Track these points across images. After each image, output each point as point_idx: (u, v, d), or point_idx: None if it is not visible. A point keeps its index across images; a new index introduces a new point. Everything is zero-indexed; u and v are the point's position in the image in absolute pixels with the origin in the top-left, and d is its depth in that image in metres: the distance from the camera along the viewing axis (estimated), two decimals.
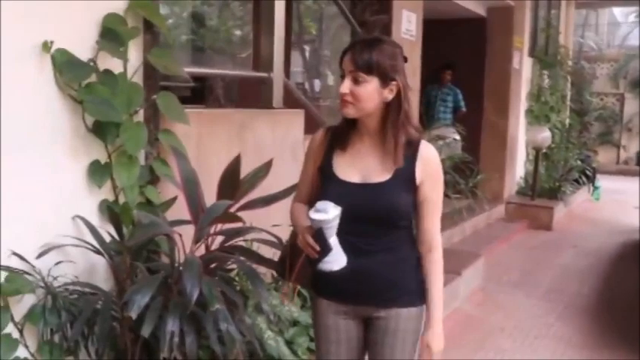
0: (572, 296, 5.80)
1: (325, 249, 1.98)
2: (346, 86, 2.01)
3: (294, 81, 12.97)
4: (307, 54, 15.38)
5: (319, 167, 2.17)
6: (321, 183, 2.15)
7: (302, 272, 2.24)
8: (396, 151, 2.04)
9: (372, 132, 2.09)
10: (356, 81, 2.00)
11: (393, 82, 2.02)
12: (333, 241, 2.00)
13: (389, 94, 2.03)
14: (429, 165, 2.10)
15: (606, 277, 6.55)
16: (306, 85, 13.86)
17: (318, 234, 1.97)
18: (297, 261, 2.20)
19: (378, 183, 2.06)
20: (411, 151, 2.08)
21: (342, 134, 2.13)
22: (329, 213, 1.95)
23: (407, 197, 2.08)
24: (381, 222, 2.08)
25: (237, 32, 10.34)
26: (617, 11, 21.92)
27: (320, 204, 1.98)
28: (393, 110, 2.04)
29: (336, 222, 1.97)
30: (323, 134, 2.20)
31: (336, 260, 2.02)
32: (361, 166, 2.09)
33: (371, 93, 2.01)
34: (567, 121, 11.48)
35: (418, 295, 2.16)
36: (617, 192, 11.59)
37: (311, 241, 1.98)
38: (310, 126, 4.49)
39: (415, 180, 2.08)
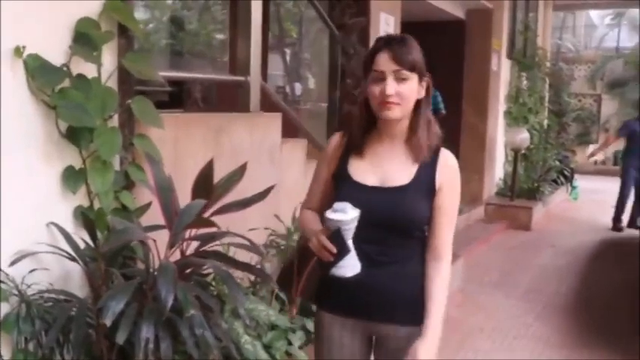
0: (551, 296, 5.86)
1: (343, 251, 1.90)
2: (392, 87, 1.93)
3: (274, 84, 13.00)
4: (288, 57, 15.40)
5: (334, 173, 2.11)
6: (337, 187, 2.08)
7: (307, 284, 2.17)
8: (424, 147, 2.01)
9: (396, 133, 2.04)
10: (400, 80, 1.94)
11: (425, 78, 2.00)
12: (350, 244, 1.93)
13: (422, 91, 2.00)
14: (449, 173, 2.06)
15: (584, 276, 6.62)
16: (287, 89, 13.88)
17: (336, 235, 1.89)
18: (305, 270, 2.12)
19: (397, 187, 2.01)
20: (432, 157, 2.04)
21: (359, 137, 2.08)
22: (348, 213, 1.88)
23: (425, 204, 2.02)
24: (397, 229, 2.02)
25: (218, 36, 10.34)
26: (594, 14, 22.22)
27: (338, 204, 1.91)
28: (423, 106, 2.02)
29: (354, 224, 1.90)
30: (339, 139, 2.14)
31: (351, 266, 1.94)
32: (380, 170, 2.04)
33: (413, 91, 1.97)
34: (545, 122, 11.58)
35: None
36: (594, 192, 11.70)
37: (327, 242, 1.89)
38: (288, 130, 4.49)
39: (435, 187, 2.03)
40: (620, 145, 9.89)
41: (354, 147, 2.08)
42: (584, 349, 4.59)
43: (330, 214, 1.90)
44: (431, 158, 2.03)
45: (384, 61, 1.95)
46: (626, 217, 9.04)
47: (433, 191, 2.03)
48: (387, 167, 2.03)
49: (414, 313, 2.05)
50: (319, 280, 2.11)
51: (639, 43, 18.18)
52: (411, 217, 2.01)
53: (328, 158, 2.14)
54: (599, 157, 10.06)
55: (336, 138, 2.15)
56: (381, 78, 1.94)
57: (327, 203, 2.05)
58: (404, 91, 1.94)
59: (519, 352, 4.52)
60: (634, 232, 8.63)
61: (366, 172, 2.04)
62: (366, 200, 1.95)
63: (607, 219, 9.16)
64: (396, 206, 1.99)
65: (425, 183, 2.02)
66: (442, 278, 2.06)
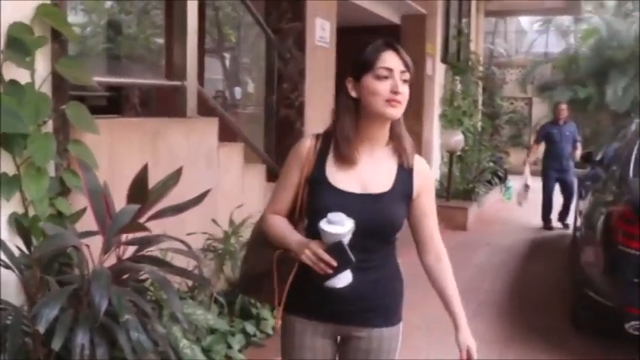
0: (486, 293, 6.01)
1: (346, 264, 1.85)
2: (402, 86, 1.94)
3: (214, 89, 12.94)
4: (227, 61, 15.35)
5: (309, 178, 2.03)
6: (314, 194, 2.01)
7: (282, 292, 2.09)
8: (410, 151, 2.04)
9: (378, 137, 2.03)
10: (403, 81, 1.95)
11: None
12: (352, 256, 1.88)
13: None
14: (425, 178, 2.10)
15: (517, 273, 6.81)
16: (227, 93, 13.83)
17: (337, 248, 1.84)
18: (286, 280, 2.04)
19: (379, 193, 2.00)
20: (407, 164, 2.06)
21: (348, 142, 2.00)
22: (345, 225, 1.85)
23: (404, 210, 2.05)
24: (379, 235, 2.02)
25: (157, 40, 10.24)
26: (524, 20, 22.88)
27: (333, 215, 1.86)
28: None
29: (350, 235, 1.86)
30: (312, 142, 2.06)
31: (346, 276, 1.91)
32: (359, 175, 2.00)
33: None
34: (479, 124, 11.86)
35: (399, 311, 2.14)
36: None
37: (326, 255, 1.85)
38: (226, 134, 4.51)
39: (412, 194, 2.06)
40: None
41: (334, 152, 2.02)
42: (516, 343, 4.73)
43: (327, 227, 1.85)
44: (407, 166, 2.06)
45: (394, 60, 1.96)
46: (555, 216, 9.38)
47: (410, 197, 2.06)
48: (366, 173, 2.01)
49: (387, 315, 2.11)
50: (291, 286, 2.06)
51: (566, 48, 18.87)
52: (393, 224, 2.03)
53: (301, 163, 2.05)
54: (532, 158, 10.38)
55: (308, 142, 2.07)
56: (387, 76, 1.94)
57: (301, 208, 2.04)
58: (405, 92, 1.96)
59: (455, 348, 4.59)
60: (565, 230, 8.97)
61: (345, 177, 2.00)
62: (348, 207, 1.92)
63: (539, 218, 9.47)
64: (379, 213, 1.98)
65: (403, 189, 2.04)
66: (451, 276, 2.16)
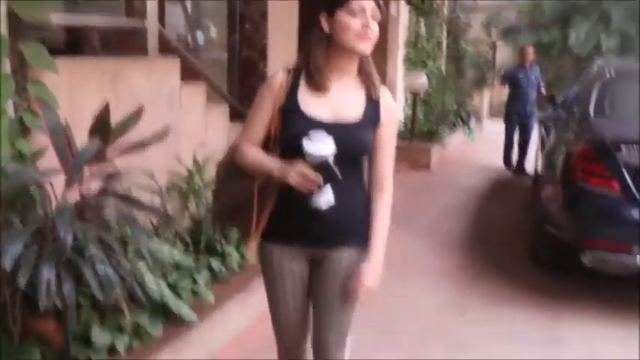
0: (449, 232, 6.14)
1: (332, 179, 1.98)
2: (372, 22, 2.05)
3: (175, 33, 12.64)
4: (189, 6, 15.00)
5: (282, 108, 2.12)
6: (288, 123, 2.11)
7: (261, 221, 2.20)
8: (377, 84, 2.16)
9: (349, 69, 2.13)
10: (374, 18, 2.05)
11: None
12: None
13: None
14: (390, 110, 2.22)
15: (479, 213, 6.97)
16: (189, 38, 13.55)
17: (323, 165, 1.96)
18: (266, 208, 2.17)
19: (351, 123, 2.12)
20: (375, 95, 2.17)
21: (320, 72, 2.10)
22: (329, 144, 1.97)
23: (372, 138, 2.16)
24: (350, 161, 2.13)
25: None
26: None
27: (314, 133, 1.99)
28: None
29: (333, 154, 1.99)
30: (284, 76, 2.15)
31: (328, 196, 2.02)
32: (330, 103, 2.12)
33: None
34: (443, 67, 11.88)
35: (368, 235, 2.21)
36: (490, 133, 12.14)
37: (313, 174, 1.97)
38: (187, 75, 4.47)
39: (379, 123, 2.17)
40: None
41: (306, 83, 2.12)
42: (478, 280, 4.88)
43: (312, 148, 1.96)
44: (375, 96, 2.17)
45: None
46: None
47: (377, 126, 2.17)
48: (337, 102, 2.12)
49: (359, 236, 2.20)
50: (270, 214, 2.18)
51: None
52: (363, 151, 2.17)
53: (273, 95, 2.14)
54: (496, 99, 10.47)
55: (279, 76, 2.16)
56: (359, 12, 2.04)
57: (275, 138, 2.13)
58: (376, 29, 2.06)
59: (421, 286, 4.70)
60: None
61: (317, 107, 2.11)
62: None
63: (500, 160, 9.61)
64: (351, 141, 2.09)
65: (371, 119, 2.15)
66: (385, 208, 2.23)
